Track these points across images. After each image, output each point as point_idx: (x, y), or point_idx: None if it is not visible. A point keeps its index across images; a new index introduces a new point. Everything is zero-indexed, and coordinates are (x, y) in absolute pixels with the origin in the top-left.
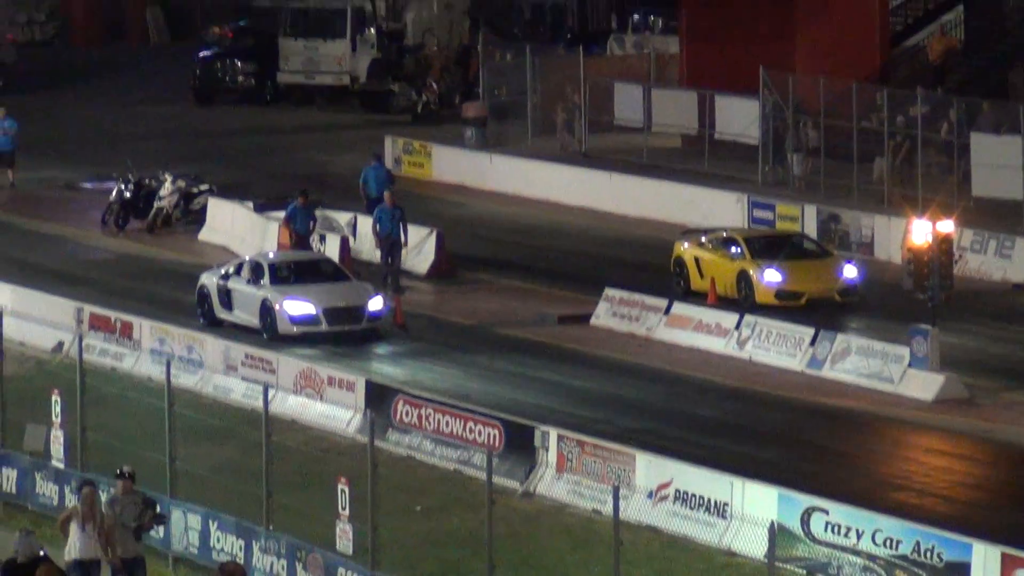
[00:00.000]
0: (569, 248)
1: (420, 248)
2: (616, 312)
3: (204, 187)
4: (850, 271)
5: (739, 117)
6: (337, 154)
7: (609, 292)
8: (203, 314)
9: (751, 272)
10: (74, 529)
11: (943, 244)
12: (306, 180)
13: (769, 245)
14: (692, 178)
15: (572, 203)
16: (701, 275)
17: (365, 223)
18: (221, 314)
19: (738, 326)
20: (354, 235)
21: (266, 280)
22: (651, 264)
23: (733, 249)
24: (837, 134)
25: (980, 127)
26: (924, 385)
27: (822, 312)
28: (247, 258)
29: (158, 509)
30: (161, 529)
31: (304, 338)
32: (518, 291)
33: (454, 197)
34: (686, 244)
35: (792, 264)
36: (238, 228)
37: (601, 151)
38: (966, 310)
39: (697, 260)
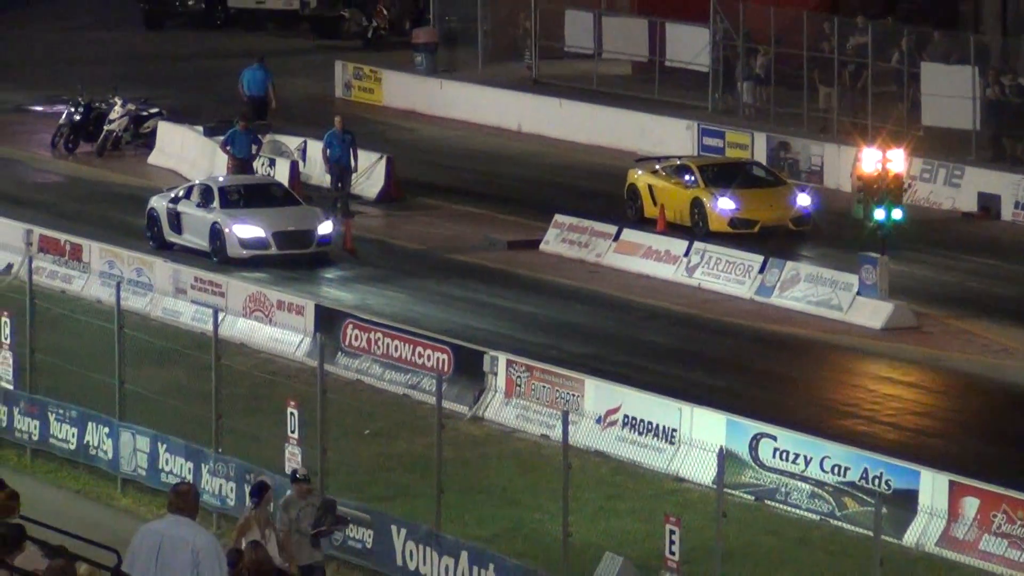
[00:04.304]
0: (519, 174)
1: (370, 173)
2: (566, 238)
3: (154, 111)
4: (804, 199)
5: (689, 45)
6: (287, 79)
7: (559, 218)
8: (152, 237)
9: (704, 200)
10: (255, 534)
11: (892, 173)
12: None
13: (723, 173)
14: (642, 105)
15: (522, 129)
16: (655, 203)
17: (315, 148)
18: (171, 237)
19: (687, 253)
20: (303, 159)
21: (216, 204)
22: (601, 191)
23: (687, 177)
24: (787, 62)
25: (930, 56)
26: (873, 313)
27: (775, 240)
28: (197, 182)
29: (338, 511)
30: (110, 450)
31: (254, 261)
32: (468, 216)
33: (404, 122)
34: (640, 172)
35: (746, 192)
36: (188, 152)
37: (552, 78)
38: (915, 239)
39: (651, 188)
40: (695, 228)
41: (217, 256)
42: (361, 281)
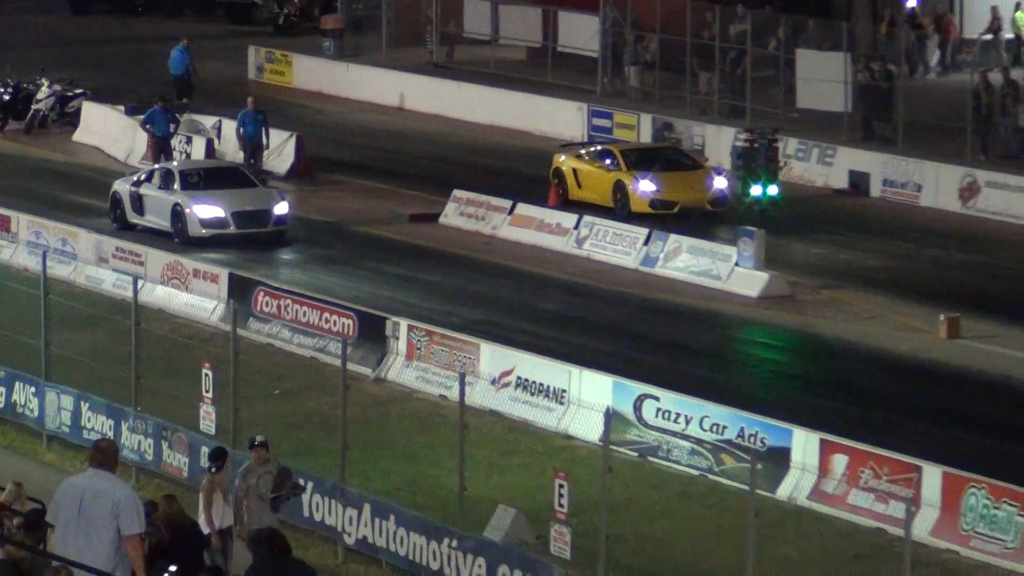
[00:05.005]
0: (420, 152)
1: (281, 150)
2: (463, 212)
3: (79, 91)
4: (720, 182)
5: (580, 32)
6: (203, 62)
7: (457, 193)
8: (115, 219)
9: (626, 182)
10: (218, 498)
11: (769, 152)
12: (173, 86)
13: (644, 157)
14: (536, 88)
15: (424, 111)
16: (579, 186)
17: (229, 126)
18: (133, 218)
19: (577, 226)
20: (219, 137)
21: (177, 186)
22: (497, 168)
23: (608, 161)
24: (672, 48)
25: (805, 43)
26: (749, 282)
27: (693, 220)
28: (158, 166)
29: (295, 478)
30: (36, 408)
31: (214, 240)
32: (372, 192)
33: (313, 103)
34: (564, 156)
35: (666, 175)
36: (110, 130)
37: (451, 62)
38: (791, 214)
39: (575, 171)
40: (617, 209)
41: (179, 236)
42: (272, 252)
